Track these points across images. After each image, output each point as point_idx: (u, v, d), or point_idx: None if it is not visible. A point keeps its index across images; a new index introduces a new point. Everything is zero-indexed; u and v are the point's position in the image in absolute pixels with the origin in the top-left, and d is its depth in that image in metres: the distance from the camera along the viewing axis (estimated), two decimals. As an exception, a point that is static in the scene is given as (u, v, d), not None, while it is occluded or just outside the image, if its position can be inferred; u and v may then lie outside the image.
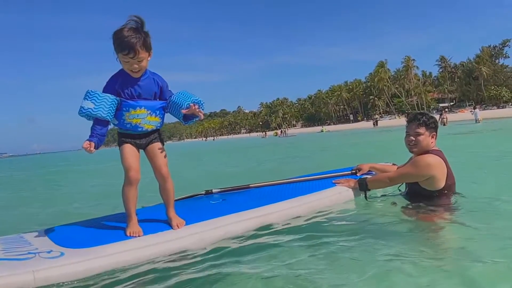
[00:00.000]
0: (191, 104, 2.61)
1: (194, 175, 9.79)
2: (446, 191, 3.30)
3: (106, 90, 2.59)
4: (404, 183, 3.60)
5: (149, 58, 2.59)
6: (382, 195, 3.79)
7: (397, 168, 3.67)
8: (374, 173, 3.94)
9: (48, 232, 2.72)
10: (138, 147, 2.74)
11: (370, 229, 2.96)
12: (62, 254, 2.27)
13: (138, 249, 2.46)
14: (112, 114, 2.58)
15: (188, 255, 2.59)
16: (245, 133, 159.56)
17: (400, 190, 3.71)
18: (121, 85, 2.60)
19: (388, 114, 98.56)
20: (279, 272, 2.23)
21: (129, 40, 2.42)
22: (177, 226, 2.70)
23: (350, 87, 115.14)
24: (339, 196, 3.57)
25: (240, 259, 2.49)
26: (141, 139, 2.74)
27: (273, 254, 2.55)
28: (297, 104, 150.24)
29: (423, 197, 3.34)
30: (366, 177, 3.69)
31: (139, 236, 2.56)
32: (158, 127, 2.80)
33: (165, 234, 2.64)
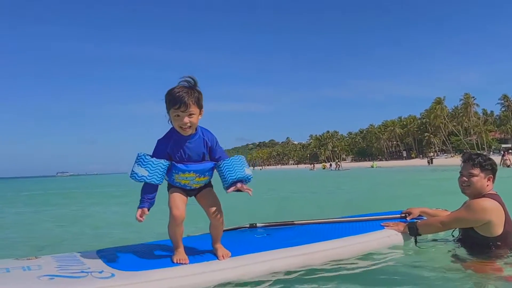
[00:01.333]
0: (238, 185, 2.66)
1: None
2: (503, 239, 3.04)
3: (157, 153, 2.63)
4: (458, 229, 3.40)
5: (200, 117, 2.60)
6: (433, 240, 3.58)
7: (451, 213, 3.49)
8: (424, 218, 3.73)
9: (99, 253, 2.85)
10: (187, 195, 2.79)
11: (418, 277, 2.77)
12: (113, 275, 2.35)
13: (184, 277, 2.48)
14: (163, 178, 2.64)
15: (232, 287, 2.60)
16: (293, 164, 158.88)
17: (453, 236, 3.50)
18: (172, 147, 2.62)
19: (444, 153, 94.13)
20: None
21: (180, 95, 2.48)
22: (223, 257, 2.70)
23: (404, 123, 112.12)
24: (387, 240, 3.39)
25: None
26: (191, 190, 2.80)
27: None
28: (347, 138, 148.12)
29: (478, 244, 3.11)
30: (417, 221, 3.51)
31: (185, 263, 2.60)
32: (207, 183, 2.83)
33: (210, 264, 2.64)
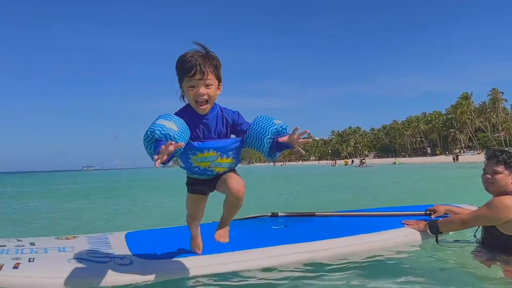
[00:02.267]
0: (297, 128, 2.13)
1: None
2: None
3: None
4: (481, 229, 3.31)
5: (218, 92, 2.22)
6: (455, 241, 3.47)
7: (473, 211, 3.42)
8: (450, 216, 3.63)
9: (128, 235, 3.16)
10: (209, 189, 2.51)
11: (432, 276, 2.69)
12: (131, 262, 2.63)
13: (194, 268, 2.67)
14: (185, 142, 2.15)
15: (241, 277, 2.68)
16: (314, 160, 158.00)
17: (475, 237, 3.43)
18: (187, 123, 2.17)
19: (471, 149, 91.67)
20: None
21: (195, 59, 2.10)
22: (219, 237, 2.43)
23: (429, 118, 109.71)
24: (404, 239, 3.35)
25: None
26: (210, 182, 2.45)
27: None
28: (370, 134, 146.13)
29: (502, 245, 3.02)
30: (438, 219, 3.43)
31: (198, 253, 2.76)
32: (231, 168, 2.41)
33: (221, 256, 2.78)
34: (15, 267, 2.36)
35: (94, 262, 2.55)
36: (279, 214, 3.88)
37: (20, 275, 2.30)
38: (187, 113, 2.23)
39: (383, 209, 4.07)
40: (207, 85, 2.14)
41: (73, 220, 6.79)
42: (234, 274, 2.70)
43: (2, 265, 2.35)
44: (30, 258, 2.51)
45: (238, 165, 2.48)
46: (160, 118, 2.11)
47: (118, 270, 2.48)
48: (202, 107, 2.18)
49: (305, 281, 2.64)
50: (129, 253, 2.79)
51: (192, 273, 2.63)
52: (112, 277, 2.41)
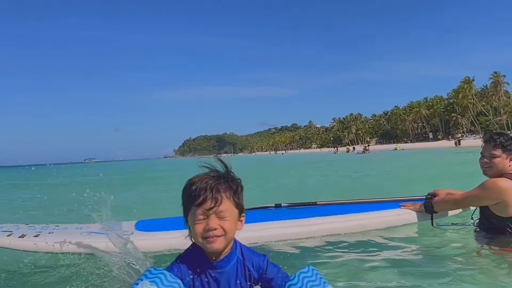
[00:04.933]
0: None
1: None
2: None
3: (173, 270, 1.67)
4: (478, 211, 3.35)
5: (239, 227, 1.67)
6: (452, 224, 3.54)
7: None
8: None
9: (138, 221, 3.42)
10: None
11: (423, 257, 2.78)
12: (132, 233, 2.99)
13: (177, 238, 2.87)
14: None
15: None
16: (316, 147, 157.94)
17: (473, 219, 3.48)
18: (193, 273, 1.64)
19: (473, 133, 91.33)
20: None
21: (207, 182, 1.58)
22: None
23: (430, 103, 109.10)
24: (397, 218, 3.44)
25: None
26: None
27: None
28: (371, 120, 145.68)
29: (495, 225, 3.06)
30: (433, 199, 3.49)
31: None
32: None
33: None
34: (36, 235, 2.87)
35: (101, 234, 2.88)
36: (283, 204, 3.95)
37: (34, 241, 2.78)
38: (193, 259, 1.65)
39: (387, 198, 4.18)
40: (222, 217, 1.57)
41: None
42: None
43: (25, 235, 2.86)
44: (50, 231, 3.00)
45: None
46: (143, 279, 1.54)
47: (118, 237, 2.76)
48: (213, 244, 1.56)
49: (293, 252, 2.86)
50: (134, 229, 3.14)
51: (177, 241, 2.83)
52: (113, 242, 2.73)
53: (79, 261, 2.83)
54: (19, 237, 2.83)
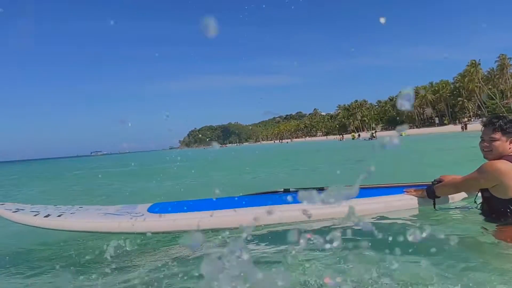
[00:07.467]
0: None
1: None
2: None
3: None
4: (480, 195, 3.32)
5: None
6: (455, 208, 3.58)
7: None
8: None
9: (152, 205, 3.62)
10: None
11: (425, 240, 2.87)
12: (143, 215, 3.24)
13: (188, 219, 3.17)
14: None
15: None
16: (321, 135, 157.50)
17: (475, 202, 3.49)
18: None
19: (479, 117, 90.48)
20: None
21: None
22: None
23: (436, 88, 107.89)
24: (398, 203, 3.50)
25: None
26: None
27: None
28: (377, 107, 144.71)
29: (496, 207, 3.09)
30: (435, 184, 3.53)
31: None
32: None
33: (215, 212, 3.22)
34: (59, 215, 3.16)
35: (115, 215, 3.24)
36: (291, 189, 3.99)
37: (56, 220, 3.10)
38: None
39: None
40: None
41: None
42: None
43: (49, 215, 3.16)
44: (72, 212, 3.28)
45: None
46: None
47: (129, 219, 3.12)
48: None
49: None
50: (146, 212, 3.33)
51: (187, 222, 3.12)
52: (125, 224, 3.08)
53: (92, 239, 3.31)
54: (45, 216, 3.15)
